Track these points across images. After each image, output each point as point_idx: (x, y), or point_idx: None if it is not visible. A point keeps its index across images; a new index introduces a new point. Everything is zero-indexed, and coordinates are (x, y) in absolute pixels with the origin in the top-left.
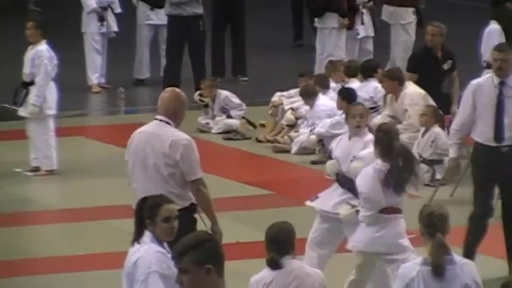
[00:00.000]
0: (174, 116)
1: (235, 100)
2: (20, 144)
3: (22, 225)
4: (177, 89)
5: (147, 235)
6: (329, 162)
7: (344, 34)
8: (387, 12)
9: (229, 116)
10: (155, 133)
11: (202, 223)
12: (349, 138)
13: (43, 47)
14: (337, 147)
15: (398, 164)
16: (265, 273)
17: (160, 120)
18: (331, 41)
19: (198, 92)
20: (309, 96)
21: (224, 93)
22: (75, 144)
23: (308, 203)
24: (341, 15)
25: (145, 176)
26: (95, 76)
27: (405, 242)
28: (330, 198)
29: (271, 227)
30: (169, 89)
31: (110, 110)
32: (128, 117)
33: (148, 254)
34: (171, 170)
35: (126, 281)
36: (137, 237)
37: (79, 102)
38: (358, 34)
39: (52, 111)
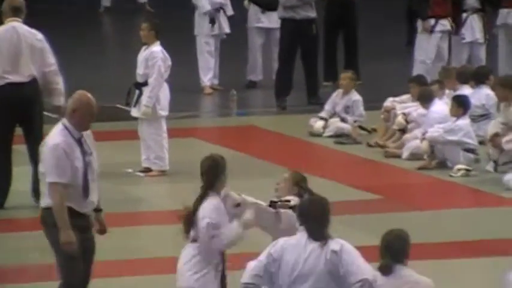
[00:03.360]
0: (68, 116)
1: (361, 109)
2: (132, 145)
3: (134, 225)
4: (84, 93)
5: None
6: None
7: (425, 36)
8: None
9: (342, 120)
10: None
11: None
12: None
13: (157, 48)
14: None
15: None
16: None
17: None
18: (416, 45)
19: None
20: (425, 100)
21: (358, 97)
22: (186, 145)
23: None
24: (422, 19)
25: None
26: (207, 78)
27: None
28: None
29: (388, 233)
30: (79, 91)
31: (222, 111)
32: (240, 119)
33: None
34: (41, 169)
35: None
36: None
37: (191, 104)
38: (463, 38)
39: (165, 112)
